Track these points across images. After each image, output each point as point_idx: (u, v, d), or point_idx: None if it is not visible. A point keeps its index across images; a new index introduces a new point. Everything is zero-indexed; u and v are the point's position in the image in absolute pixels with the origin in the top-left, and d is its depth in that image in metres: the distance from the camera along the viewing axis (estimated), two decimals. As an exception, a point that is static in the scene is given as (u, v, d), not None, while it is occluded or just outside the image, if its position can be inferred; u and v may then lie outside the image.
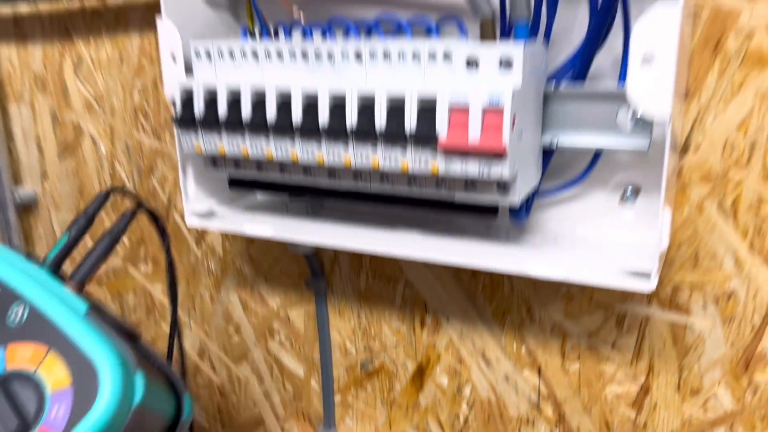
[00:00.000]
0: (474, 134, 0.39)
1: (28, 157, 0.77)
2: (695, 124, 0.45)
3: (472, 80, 0.40)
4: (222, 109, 0.47)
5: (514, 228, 0.51)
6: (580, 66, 0.43)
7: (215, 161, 0.51)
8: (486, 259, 0.45)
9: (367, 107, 0.42)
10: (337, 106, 0.43)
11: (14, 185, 0.78)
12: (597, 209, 0.48)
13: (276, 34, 0.52)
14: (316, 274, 0.63)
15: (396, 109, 0.41)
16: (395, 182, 0.45)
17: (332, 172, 0.47)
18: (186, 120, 0.48)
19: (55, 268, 0.46)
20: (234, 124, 0.46)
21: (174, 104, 0.49)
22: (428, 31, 0.47)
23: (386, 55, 0.42)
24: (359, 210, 0.56)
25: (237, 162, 0.50)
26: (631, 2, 0.42)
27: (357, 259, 0.61)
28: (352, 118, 0.42)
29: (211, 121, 0.47)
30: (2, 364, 0.35)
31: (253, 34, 0.53)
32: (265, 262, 0.67)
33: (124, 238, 0.74)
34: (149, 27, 0.64)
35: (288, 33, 0.51)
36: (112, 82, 0.68)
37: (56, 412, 0.33)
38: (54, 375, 0.34)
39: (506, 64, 0.39)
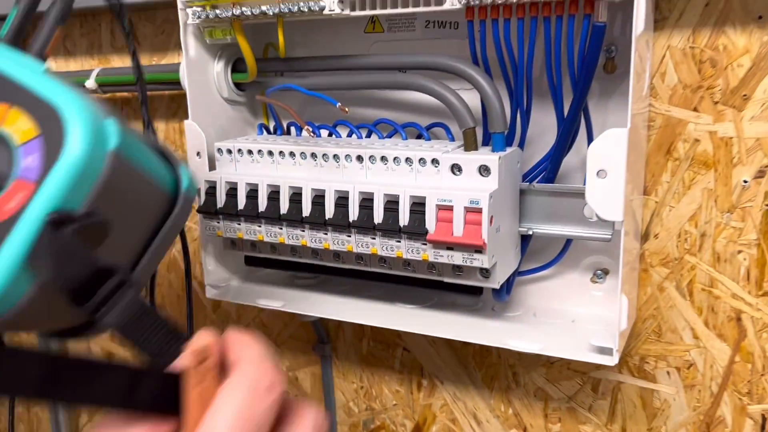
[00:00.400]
0: (457, 230, 0.45)
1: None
2: (653, 215, 0.51)
3: (456, 183, 0.47)
4: (241, 200, 0.54)
5: (498, 303, 0.57)
6: (551, 166, 0.50)
7: (234, 243, 0.58)
8: (472, 334, 0.51)
9: (367, 203, 0.49)
10: (341, 201, 0.50)
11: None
12: (571, 287, 0.55)
13: (288, 131, 0.59)
14: (322, 340, 0.69)
15: (392, 204, 0.48)
16: (393, 265, 0.52)
17: (337, 255, 0.54)
18: (209, 209, 0.55)
19: (13, 44, 0.41)
20: (251, 213, 0.53)
21: (198, 194, 0.56)
22: (420, 135, 0.54)
23: (384, 159, 0.49)
24: (361, 285, 0.62)
25: (253, 244, 0.57)
26: (591, 114, 0.49)
27: (359, 327, 0.67)
28: (353, 212, 0.49)
29: (231, 211, 0.54)
30: None
31: (269, 131, 0.60)
32: (275, 328, 0.73)
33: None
34: (173, 116, 0.72)
35: (299, 131, 0.58)
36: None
37: (29, 162, 0.31)
38: (19, 128, 0.31)
39: (485, 170, 0.46)
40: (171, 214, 0.37)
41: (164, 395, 0.27)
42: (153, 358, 0.29)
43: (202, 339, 0.27)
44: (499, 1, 0.43)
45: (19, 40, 0.41)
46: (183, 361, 0.27)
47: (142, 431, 0.26)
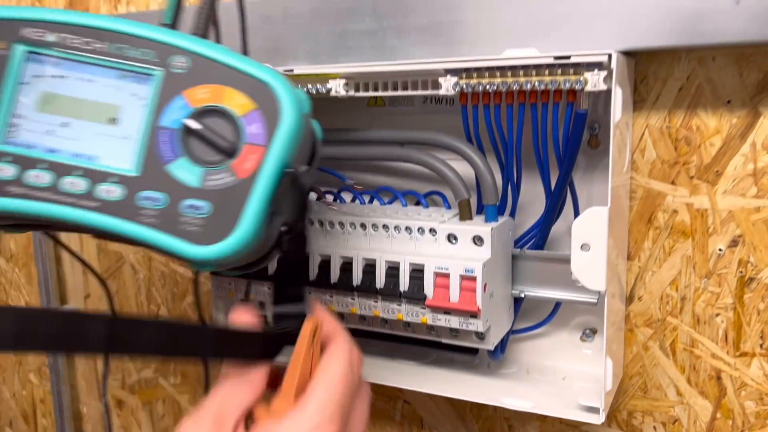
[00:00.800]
0: (454, 297, 0.49)
1: (73, 280, 0.88)
2: (637, 279, 0.55)
3: (452, 251, 0.51)
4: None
5: (493, 360, 0.60)
6: (540, 233, 0.54)
7: (244, 302, 0.61)
8: (469, 392, 0.54)
9: (369, 268, 0.53)
10: (346, 266, 0.53)
11: (60, 304, 0.88)
12: (562, 345, 0.58)
13: (296, 195, 0.63)
14: (326, 391, 0.72)
15: (393, 270, 0.52)
16: (394, 326, 0.55)
17: (341, 315, 0.57)
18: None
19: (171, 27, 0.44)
20: (260, 275, 0.57)
21: (211, 256, 0.60)
22: (419, 201, 0.58)
23: (386, 227, 0.53)
24: (363, 342, 0.65)
25: (261, 303, 0.60)
26: (577, 185, 0.53)
27: (362, 378, 0.70)
28: (357, 277, 0.53)
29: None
30: (188, 106, 0.38)
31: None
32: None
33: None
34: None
35: (306, 196, 0.62)
36: (153, 220, 0.80)
37: (253, 129, 0.37)
38: (238, 103, 0.37)
39: (479, 240, 0.50)
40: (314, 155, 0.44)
41: (272, 347, 0.41)
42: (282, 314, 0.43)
43: (319, 314, 0.42)
44: (490, 89, 0.48)
45: (176, 24, 0.44)
46: (305, 329, 0.40)
47: (263, 370, 0.39)
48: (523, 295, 0.55)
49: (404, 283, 0.51)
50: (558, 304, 0.56)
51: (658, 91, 0.52)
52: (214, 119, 0.37)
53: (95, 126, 0.39)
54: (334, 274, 0.54)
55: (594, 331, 0.57)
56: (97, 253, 0.85)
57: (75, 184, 0.38)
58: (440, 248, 0.51)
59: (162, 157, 0.37)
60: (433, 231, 0.52)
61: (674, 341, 0.54)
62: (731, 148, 0.50)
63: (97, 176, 0.38)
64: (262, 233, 0.37)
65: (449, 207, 0.58)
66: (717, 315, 0.52)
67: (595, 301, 0.51)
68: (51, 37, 0.39)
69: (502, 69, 0.47)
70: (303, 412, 0.37)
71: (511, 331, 0.57)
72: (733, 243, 0.51)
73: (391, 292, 0.51)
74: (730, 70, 0.49)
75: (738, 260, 0.51)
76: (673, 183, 0.52)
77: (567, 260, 0.50)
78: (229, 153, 0.37)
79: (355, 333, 0.60)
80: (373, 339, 0.61)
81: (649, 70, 0.52)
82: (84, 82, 0.39)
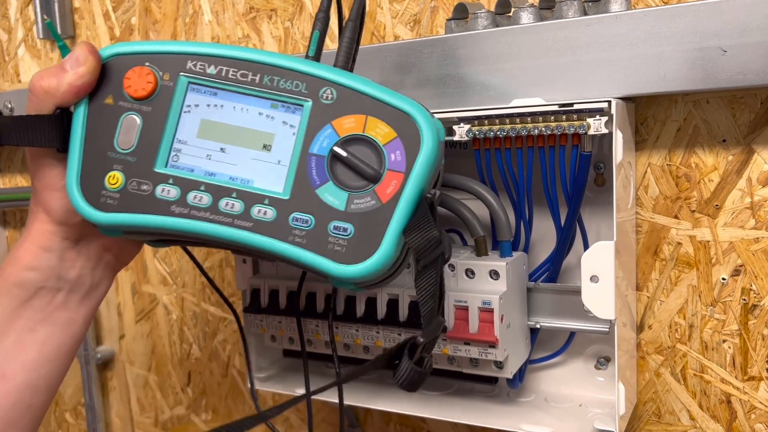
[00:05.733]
0: (473, 328, 0.52)
1: (108, 321, 0.92)
2: (646, 309, 0.58)
3: (470, 285, 0.54)
4: (282, 301, 0.61)
5: (512, 390, 0.63)
6: (553, 267, 0.57)
7: (274, 338, 0.65)
8: (489, 419, 0.57)
9: (393, 302, 0.56)
10: (371, 301, 0.57)
11: (96, 345, 0.92)
12: (578, 374, 0.61)
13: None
14: (352, 424, 0.75)
15: (414, 303, 0.55)
16: (416, 358, 0.58)
17: (366, 348, 0.61)
18: (253, 308, 0.63)
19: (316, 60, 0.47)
20: (291, 313, 0.60)
21: (244, 295, 0.64)
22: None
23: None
24: (387, 373, 0.68)
25: (291, 339, 0.64)
26: (585, 221, 0.56)
27: (386, 412, 0.73)
28: (381, 311, 0.56)
29: (273, 310, 0.61)
30: (336, 135, 0.41)
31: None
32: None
33: (188, 389, 0.87)
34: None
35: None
36: (185, 262, 0.84)
37: (394, 157, 0.40)
38: (380, 132, 0.41)
39: (495, 274, 0.54)
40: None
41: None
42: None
43: None
44: (500, 135, 0.52)
45: (319, 58, 0.47)
46: None
47: None
48: (538, 326, 0.58)
49: (426, 316, 0.55)
50: (572, 334, 0.59)
51: (657, 132, 0.56)
52: (360, 147, 0.41)
53: (250, 152, 0.43)
54: (360, 308, 0.57)
55: (608, 359, 0.59)
56: (131, 295, 0.90)
57: (232, 205, 0.42)
58: (459, 283, 0.55)
59: (312, 182, 0.41)
60: (452, 267, 0.55)
61: (684, 367, 0.57)
62: (729, 183, 0.54)
63: (251, 198, 0.42)
64: (400, 253, 0.41)
65: (465, 243, 0.61)
66: (724, 341, 0.55)
67: (607, 329, 0.54)
68: (211, 70, 0.43)
69: (511, 116, 0.52)
70: None
71: (529, 361, 0.60)
72: (736, 272, 0.54)
73: (413, 325, 0.55)
74: (724, 111, 0.53)
75: (741, 288, 0.54)
76: (676, 217, 0.56)
77: (578, 292, 0.53)
78: (373, 179, 0.40)
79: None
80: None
81: (649, 113, 0.56)
82: (240, 111, 0.43)
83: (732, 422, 0.56)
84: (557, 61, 0.53)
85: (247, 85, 0.43)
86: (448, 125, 0.54)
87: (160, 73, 0.43)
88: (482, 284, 0.54)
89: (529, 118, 0.51)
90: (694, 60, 0.48)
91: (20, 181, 0.97)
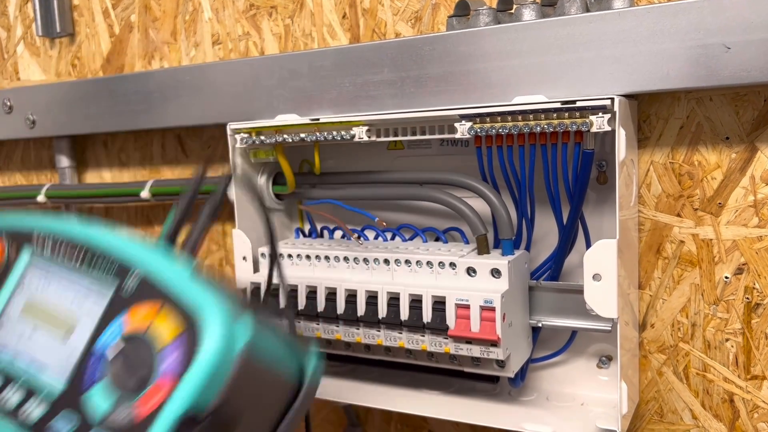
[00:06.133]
0: (475, 327, 0.52)
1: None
2: (649, 307, 0.58)
3: (471, 284, 0.54)
4: (282, 299, 0.61)
5: (513, 389, 0.63)
6: (555, 266, 0.57)
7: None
8: (491, 418, 0.57)
9: (394, 301, 0.56)
10: (372, 300, 0.57)
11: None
12: (580, 372, 0.61)
13: (322, 234, 0.67)
14: (353, 423, 0.75)
15: (416, 303, 0.55)
16: (418, 356, 0.58)
17: (367, 347, 0.60)
18: (254, 306, 0.62)
19: (171, 241, 0.45)
20: (293, 311, 0.60)
21: (245, 293, 0.63)
22: (438, 237, 0.62)
23: (408, 262, 0.57)
24: (388, 373, 0.68)
25: (292, 337, 0.64)
26: (588, 219, 0.56)
27: (387, 411, 0.73)
28: (382, 310, 0.56)
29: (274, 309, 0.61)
30: (121, 329, 0.37)
31: (304, 234, 0.68)
32: (309, 411, 0.78)
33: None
34: (217, 220, 0.81)
35: (332, 234, 0.66)
36: (185, 260, 0.84)
37: (170, 360, 0.34)
38: (167, 326, 0.35)
39: (496, 272, 0.53)
40: (294, 403, 0.40)
41: None
42: None
43: None
44: (502, 132, 0.52)
45: (176, 238, 0.44)
46: None
47: None
48: (540, 325, 0.57)
49: (427, 314, 0.54)
50: (574, 333, 0.59)
51: (660, 129, 0.55)
52: (137, 347, 0.36)
53: (54, 337, 0.40)
54: (361, 307, 0.57)
55: (610, 358, 0.59)
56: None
57: (9, 397, 0.39)
58: (460, 281, 0.55)
59: (85, 380, 0.37)
60: (453, 265, 0.55)
61: (687, 366, 0.57)
62: (732, 181, 0.53)
63: (32, 390, 0.39)
64: None
65: (467, 242, 0.61)
66: (727, 340, 0.55)
67: (609, 328, 0.54)
68: (47, 248, 0.42)
69: (513, 114, 0.51)
70: None
71: (531, 360, 0.60)
72: (739, 271, 0.54)
73: (415, 324, 0.55)
74: (727, 109, 0.53)
75: (744, 287, 0.54)
76: (678, 215, 0.56)
77: (581, 290, 0.53)
78: (137, 389, 0.35)
79: (381, 364, 0.64)
80: (398, 370, 0.64)
81: (651, 111, 0.55)
82: (61, 291, 0.41)
83: (735, 421, 0.55)
84: (559, 58, 0.53)
85: (71, 265, 0.41)
86: (450, 122, 0.54)
87: (8, 246, 0.43)
88: (484, 283, 0.54)
89: (531, 116, 0.51)
90: (697, 57, 0.48)
91: (19, 179, 0.97)
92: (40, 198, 0.85)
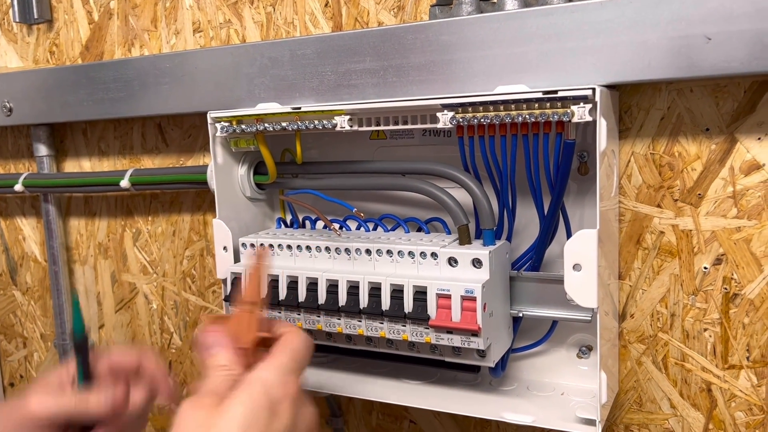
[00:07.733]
0: (455, 316, 0.52)
1: (88, 311, 0.91)
2: (629, 298, 0.58)
3: (453, 274, 0.54)
4: (264, 290, 0.60)
5: (495, 378, 0.63)
6: (536, 256, 0.57)
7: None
8: (472, 408, 0.57)
9: (375, 291, 0.56)
10: (353, 290, 0.57)
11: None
12: (560, 362, 0.61)
13: (304, 224, 0.67)
14: (335, 413, 0.75)
15: (397, 293, 0.55)
16: (399, 347, 0.58)
17: (349, 337, 0.60)
18: (233, 298, 0.62)
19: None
20: (273, 301, 0.60)
21: (224, 284, 0.63)
22: (420, 228, 0.61)
23: (390, 252, 0.57)
24: (369, 363, 0.68)
25: (273, 328, 0.63)
26: (569, 209, 0.56)
27: (369, 401, 0.73)
28: (364, 300, 0.56)
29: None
30: None
31: (286, 224, 0.68)
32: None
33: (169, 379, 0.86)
34: (198, 210, 0.80)
35: (314, 224, 0.66)
36: (165, 251, 0.83)
37: None
38: None
39: (477, 262, 0.53)
40: None
41: None
42: None
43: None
44: (484, 122, 0.52)
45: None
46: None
47: None
48: (521, 315, 0.58)
49: (408, 304, 0.54)
50: (555, 323, 0.59)
51: (641, 120, 0.56)
52: None
53: None
54: (342, 297, 0.57)
55: (590, 348, 0.59)
56: (111, 284, 0.88)
57: None
58: (441, 271, 0.55)
59: None
60: (434, 255, 0.55)
61: (666, 356, 0.57)
62: (711, 172, 0.54)
63: None
64: None
65: (449, 232, 0.61)
66: (705, 330, 0.55)
67: (589, 318, 0.54)
68: None
69: (495, 104, 0.51)
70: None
71: (511, 350, 0.60)
72: (717, 261, 0.54)
73: (396, 314, 0.54)
74: (707, 100, 0.53)
75: (722, 277, 0.54)
76: (659, 206, 0.56)
77: (561, 280, 0.53)
78: None
79: (362, 354, 0.64)
80: (379, 360, 0.63)
81: (633, 101, 0.56)
82: None
83: (712, 410, 0.56)
84: (542, 47, 0.53)
85: None
86: (432, 112, 0.54)
87: None
88: (465, 272, 0.54)
89: (513, 106, 0.51)
90: (678, 48, 0.48)
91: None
92: (18, 187, 0.84)
